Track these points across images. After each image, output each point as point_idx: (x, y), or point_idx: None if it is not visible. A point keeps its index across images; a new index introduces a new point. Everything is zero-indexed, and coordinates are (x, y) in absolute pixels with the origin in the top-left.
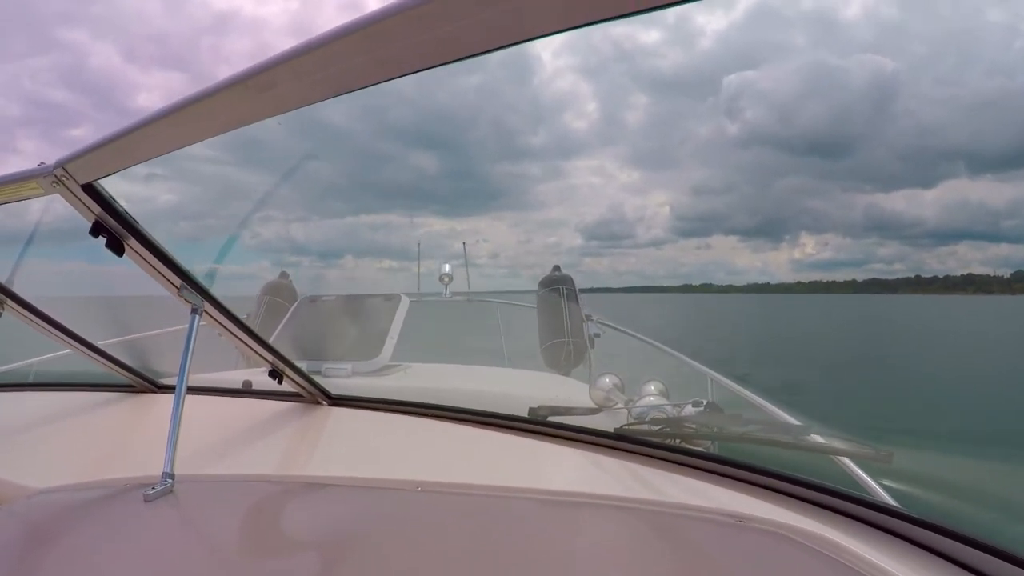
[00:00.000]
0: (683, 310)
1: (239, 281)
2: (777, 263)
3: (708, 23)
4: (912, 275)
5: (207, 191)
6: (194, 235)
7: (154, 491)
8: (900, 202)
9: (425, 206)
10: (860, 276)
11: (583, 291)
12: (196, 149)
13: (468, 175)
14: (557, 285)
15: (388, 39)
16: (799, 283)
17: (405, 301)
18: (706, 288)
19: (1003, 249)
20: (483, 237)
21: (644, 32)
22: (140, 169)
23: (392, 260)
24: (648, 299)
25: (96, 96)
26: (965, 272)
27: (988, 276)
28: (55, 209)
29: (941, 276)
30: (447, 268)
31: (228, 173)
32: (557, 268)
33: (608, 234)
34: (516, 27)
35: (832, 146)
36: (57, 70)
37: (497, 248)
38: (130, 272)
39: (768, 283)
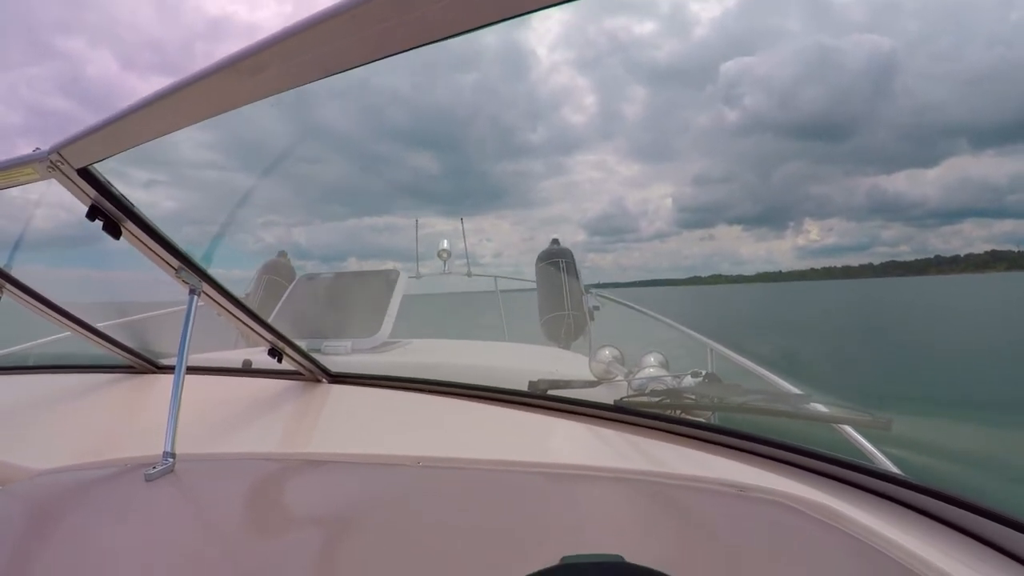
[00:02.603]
0: (707, 305)
1: (237, 286)
2: (782, 251)
3: (702, 11)
4: (932, 255)
5: (208, 198)
6: (197, 240)
7: (155, 471)
8: (902, 183)
9: (427, 207)
10: (865, 260)
11: (589, 287)
12: (197, 153)
13: (469, 174)
14: (556, 258)
15: (377, 18)
16: (812, 269)
17: (403, 276)
18: (716, 279)
19: (1007, 225)
20: (486, 236)
21: (639, 23)
22: (140, 175)
23: (396, 262)
24: (663, 294)
25: (95, 104)
26: (989, 249)
27: (1012, 252)
28: (56, 214)
29: (963, 255)
30: (445, 244)
31: (231, 179)
32: (556, 241)
33: (611, 229)
34: (504, 2)
35: (832, 129)
36: (55, 78)
37: (500, 247)
38: (133, 278)
39: (780, 271)
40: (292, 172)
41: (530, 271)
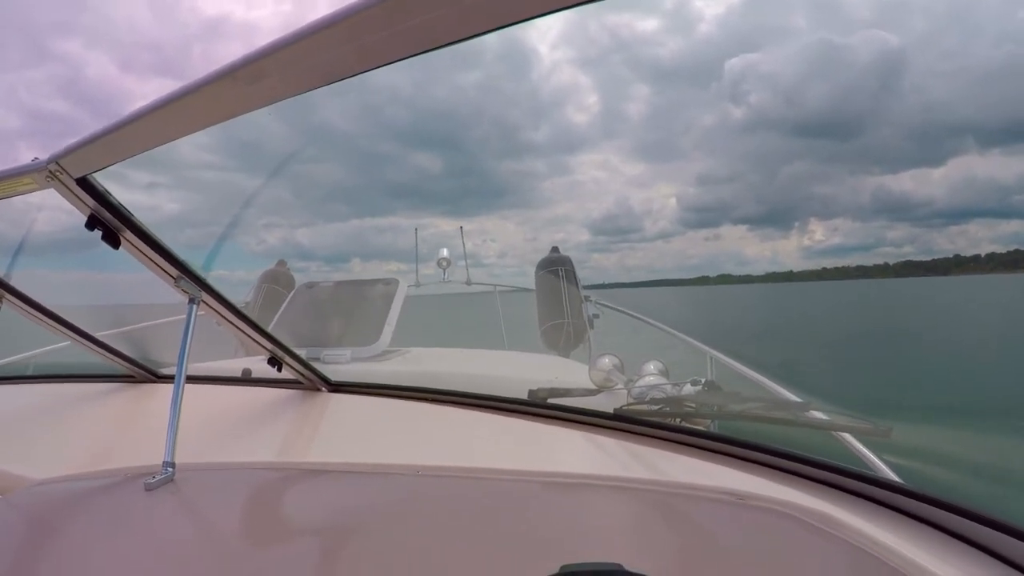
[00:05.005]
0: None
1: (240, 287)
2: (787, 251)
3: (706, 7)
4: (951, 255)
5: (207, 199)
6: (199, 243)
7: (155, 480)
8: (908, 182)
9: (430, 207)
10: (870, 260)
11: (594, 287)
12: (197, 155)
13: (472, 174)
14: (555, 266)
15: (373, 28)
16: (824, 269)
17: (403, 285)
18: (725, 279)
19: (1013, 225)
20: (490, 237)
21: (641, 20)
22: (142, 177)
23: (400, 263)
24: (671, 294)
25: (94, 106)
26: (1011, 248)
27: None
28: (57, 217)
29: (983, 255)
30: (445, 252)
31: (231, 179)
32: (555, 249)
33: (615, 228)
34: (499, 11)
35: (838, 127)
36: (54, 81)
37: (504, 247)
38: (132, 280)
39: (791, 271)
40: (293, 173)
41: (534, 272)
